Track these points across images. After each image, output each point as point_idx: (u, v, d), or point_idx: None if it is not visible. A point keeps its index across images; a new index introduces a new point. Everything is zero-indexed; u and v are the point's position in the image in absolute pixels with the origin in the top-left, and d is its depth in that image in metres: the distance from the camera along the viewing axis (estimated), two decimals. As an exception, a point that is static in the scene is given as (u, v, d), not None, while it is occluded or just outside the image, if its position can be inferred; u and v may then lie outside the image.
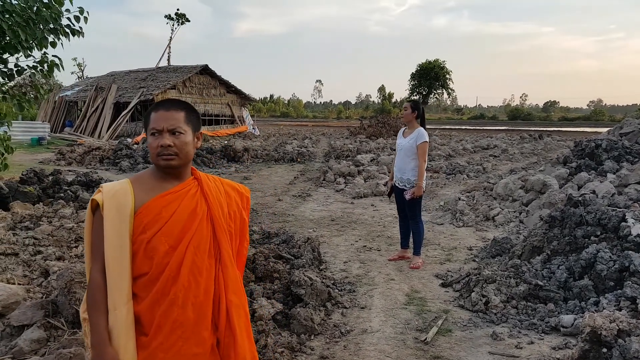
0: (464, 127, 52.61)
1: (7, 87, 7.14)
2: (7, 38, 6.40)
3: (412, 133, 5.64)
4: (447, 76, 42.43)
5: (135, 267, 1.73)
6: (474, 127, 51.48)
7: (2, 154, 7.16)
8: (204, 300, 1.80)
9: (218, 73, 31.34)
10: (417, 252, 5.83)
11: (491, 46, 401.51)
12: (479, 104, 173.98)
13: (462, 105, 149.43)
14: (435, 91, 43.56)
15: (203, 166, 14.96)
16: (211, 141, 22.85)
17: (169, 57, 37.68)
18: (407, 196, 5.55)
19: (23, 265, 4.23)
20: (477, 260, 5.96)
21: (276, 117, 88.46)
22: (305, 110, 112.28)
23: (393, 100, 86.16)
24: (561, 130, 42.34)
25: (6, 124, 7.53)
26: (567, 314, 4.14)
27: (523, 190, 8.79)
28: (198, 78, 30.12)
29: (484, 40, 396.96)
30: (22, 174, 8.62)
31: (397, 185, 5.73)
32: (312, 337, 3.88)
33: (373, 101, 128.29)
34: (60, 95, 30.97)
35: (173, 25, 39.92)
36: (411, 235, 5.88)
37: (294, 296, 4.25)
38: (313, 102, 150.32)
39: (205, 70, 30.53)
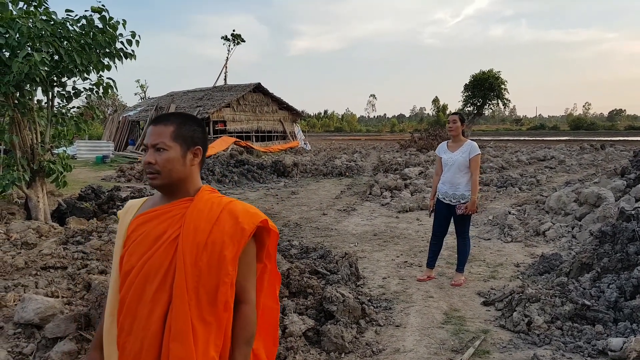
0: (522, 138, 50.86)
1: (65, 109, 7.60)
2: (65, 62, 6.83)
3: (461, 146, 5.42)
4: (502, 86, 41.17)
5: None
6: (533, 138, 49.70)
7: (61, 172, 7.62)
8: (148, 335, 1.60)
9: (274, 91, 32.22)
10: (460, 269, 5.65)
11: (551, 54, 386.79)
12: (539, 114, 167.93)
13: (521, 116, 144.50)
14: (490, 102, 42.33)
15: (253, 181, 15.26)
16: (263, 157, 23.29)
17: (225, 76, 39.00)
18: (460, 211, 5.35)
19: (68, 278, 4.45)
20: (521, 277, 5.70)
21: (330, 132, 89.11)
22: (359, 124, 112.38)
23: (447, 111, 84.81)
24: (627, 140, 40.00)
25: (65, 143, 8.02)
26: (617, 336, 3.87)
27: (577, 203, 8.36)
28: (251, 96, 30.92)
29: (543, 49, 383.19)
30: (81, 191, 9.13)
31: (442, 200, 5.53)
32: (343, 356, 3.82)
33: (427, 113, 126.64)
34: (124, 115, 32.69)
35: (229, 45, 41.32)
36: (449, 252, 5.70)
37: (326, 312, 4.22)
38: (367, 117, 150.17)
39: (258, 88, 31.32)
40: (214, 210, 1.66)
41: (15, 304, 3.71)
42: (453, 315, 4.66)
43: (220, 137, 26.23)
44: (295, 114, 35.34)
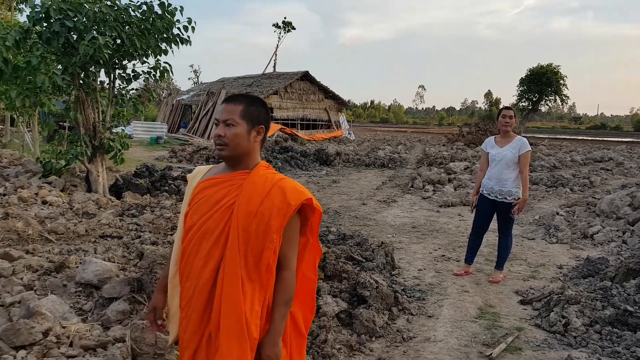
0: (579, 138, 48.82)
1: (125, 91, 8.05)
2: (126, 46, 7.23)
3: (511, 142, 5.37)
4: (561, 82, 39.55)
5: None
6: (592, 138, 47.61)
7: (119, 150, 8.10)
8: (199, 284, 1.86)
9: (321, 79, 32.31)
10: (500, 266, 5.65)
11: (619, 50, 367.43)
12: (601, 113, 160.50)
13: (581, 114, 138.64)
14: (546, 97, 40.82)
15: (296, 168, 15.53)
16: (307, 145, 23.54)
17: (274, 64, 39.39)
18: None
19: (123, 247, 4.81)
20: (563, 279, 5.65)
21: (375, 122, 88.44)
22: (406, 116, 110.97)
23: (500, 106, 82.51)
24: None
25: (124, 123, 8.50)
26: (658, 345, 3.82)
27: (630, 207, 8.14)
28: (298, 84, 31.21)
29: (610, 44, 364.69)
30: (137, 168, 9.65)
31: (487, 196, 5.52)
32: (373, 339, 3.97)
33: (479, 107, 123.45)
34: (177, 99, 33.73)
35: (280, 33, 41.67)
36: (491, 248, 5.71)
37: (359, 297, 4.38)
38: (414, 108, 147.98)
39: (305, 77, 31.56)
40: (266, 184, 1.87)
41: (77, 266, 4.07)
42: (487, 310, 4.72)
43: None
44: (340, 103, 35.41)
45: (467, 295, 5.08)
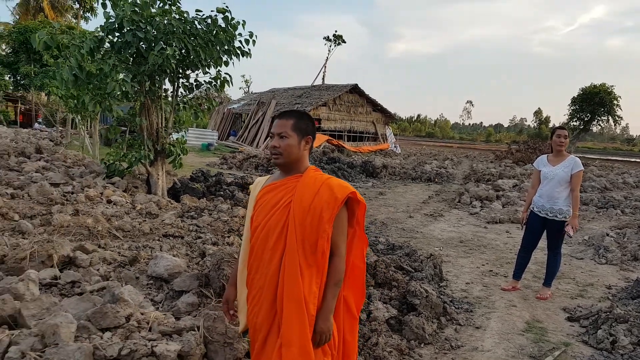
0: (632, 160, 46.93)
1: (187, 99, 8.49)
2: (191, 57, 7.66)
3: (564, 161, 5.42)
4: (615, 102, 38.29)
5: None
6: (646, 161, 45.71)
7: (179, 155, 8.54)
8: (269, 273, 2.18)
9: (368, 92, 32.52)
10: (548, 283, 5.65)
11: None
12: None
13: (634, 136, 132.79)
14: (599, 117, 39.57)
15: (343, 179, 15.70)
16: (353, 156, 23.72)
17: (323, 76, 39.96)
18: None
19: (186, 245, 5.13)
20: (612, 299, 5.59)
21: (421, 137, 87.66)
22: (452, 131, 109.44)
23: (550, 124, 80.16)
24: None
25: (183, 129, 8.95)
26: None
27: (686, 232, 7.88)
28: (347, 96, 31.53)
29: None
30: (192, 173, 10.12)
31: (537, 214, 5.54)
32: (422, 345, 4.10)
33: (528, 125, 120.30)
34: (229, 107, 34.72)
35: (330, 46, 42.25)
36: (538, 266, 5.71)
37: (409, 305, 4.51)
38: (461, 124, 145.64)
39: (354, 89, 31.85)
40: (316, 184, 2.19)
41: (146, 262, 4.40)
42: (535, 325, 4.75)
43: (314, 133, 27.04)
44: (388, 117, 35.47)
45: (515, 310, 5.11)
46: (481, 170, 18.48)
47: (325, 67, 40.78)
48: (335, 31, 42.82)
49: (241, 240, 2.62)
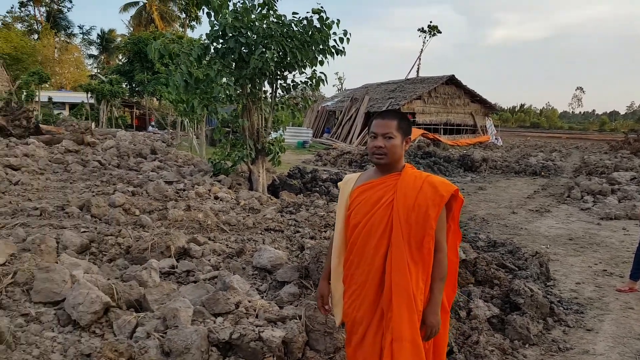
0: None
1: (284, 99, 8.82)
2: (288, 59, 7.94)
3: None
4: None
5: (346, 234, 2.41)
6: None
7: (278, 153, 8.90)
8: (372, 270, 2.23)
9: (465, 83, 31.37)
10: (671, 285, 5.18)
11: None
12: None
13: None
14: None
15: (439, 174, 15.37)
16: (450, 150, 23.08)
17: (418, 68, 39.18)
18: None
19: (286, 239, 5.37)
20: None
21: (525, 127, 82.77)
22: (560, 121, 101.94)
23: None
24: None
25: (281, 128, 9.31)
26: None
27: None
28: (443, 88, 30.67)
29: None
30: (290, 170, 10.50)
31: None
32: (527, 346, 3.95)
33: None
34: (322, 105, 35.35)
35: (425, 37, 41.32)
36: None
37: (512, 304, 4.35)
38: (570, 112, 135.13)
39: (451, 81, 30.89)
40: (417, 182, 2.23)
41: (251, 254, 4.68)
42: (656, 330, 4.37)
43: (409, 128, 26.70)
44: (487, 108, 33.98)
45: (632, 312, 4.74)
46: (594, 162, 17.12)
47: (419, 59, 39.91)
48: (430, 22, 41.74)
49: None
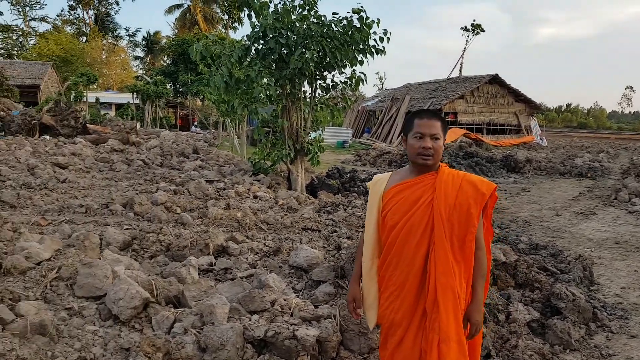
0: None
1: (324, 99, 8.87)
2: (328, 59, 7.98)
3: None
4: None
5: (381, 235, 2.38)
6: None
7: (316, 153, 8.96)
8: (413, 270, 2.21)
9: (510, 82, 30.65)
10: None
11: None
12: None
13: None
14: None
15: (481, 174, 15.07)
16: (493, 150, 22.57)
17: (460, 67, 38.48)
18: None
19: (323, 239, 5.41)
20: None
21: (572, 127, 79.87)
22: (609, 121, 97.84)
23: None
24: None
25: (320, 128, 9.36)
26: None
27: None
28: (486, 87, 30.04)
29: None
30: (328, 170, 10.54)
31: None
32: (567, 352, 3.84)
33: None
34: (363, 105, 35.25)
35: (468, 36, 40.52)
36: None
37: (553, 308, 4.24)
38: (619, 112, 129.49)
39: (494, 80, 30.23)
40: (456, 181, 2.23)
41: (287, 253, 4.75)
42: None
43: (450, 128, 26.32)
44: (532, 107, 33.05)
45: (683, 322, 4.52)
46: (644, 164, 16.39)
47: (462, 58, 39.17)
48: (474, 20, 40.73)
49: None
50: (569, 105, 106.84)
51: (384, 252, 2.35)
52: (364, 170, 14.27)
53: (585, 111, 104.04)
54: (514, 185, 13.29)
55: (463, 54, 38.52)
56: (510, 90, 31.23)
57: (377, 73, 65.76)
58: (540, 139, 31.90)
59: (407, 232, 2.23)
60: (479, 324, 2.24)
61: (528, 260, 5.05)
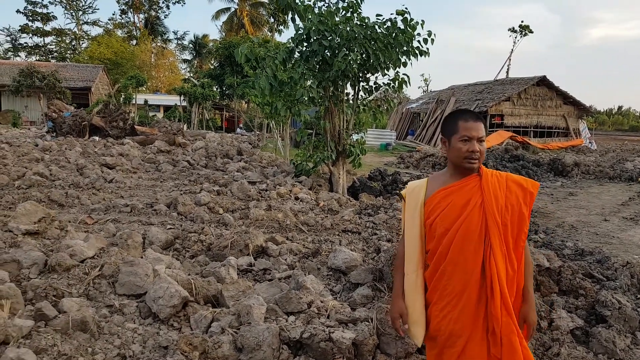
0: None
1: (366, 101, 8.88)
2: (371, 61, 7.98)
3: None
4: None
5: (426, 244, 2.27)
6: None
7: (358, 155, 8.99)
8: (470, 277, 2.12)
9: (558, 84, 29.63)
10: None
11: None
12: None
13: None
14: None
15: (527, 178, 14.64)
16: (540, 154, 21.90)
17: (507, 69, 37.59)
18: None
19: (363, 241, 5.44)
20: None
21: (623, 130, 76.24)
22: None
23: None
24: None
25: (363, 131, 9.38)
26: None
27: None
28: (534, 89, 29.17)
29: None
30: (370, 172, 10.55)
31: None
32: (612, 362, 3.73)
33: None
34: (407, 107, 34.93)
35: (515, 37, 39.53)
36: None
37: (598, 316, 4.12)
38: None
39: (542, 82, 29.31)
40: (501, 182, 2.18)
41: (326, 254, 4.80)
42: None
43: (496, 130, 25.70)
44: (581, 110, 31.79)
45: None
46: None
47: (509, 59, 38.25)
48: (522, 21, 39.73)
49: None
50: (620, 107, 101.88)
51: (434, 262, 2.23)
52: (406, 173, 14.17)
53: (638, 114, 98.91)
54: (561, 190, 12.87)
55: (510, 56, 37.63)
56: (558, 93, 30.19)
57: (422, 75, 64.79)
58: (590, 142, 30.67)
59: (463, 238, 2.13)
60: (535, 324, 2.24)
61: (573, 266, 4.90)
